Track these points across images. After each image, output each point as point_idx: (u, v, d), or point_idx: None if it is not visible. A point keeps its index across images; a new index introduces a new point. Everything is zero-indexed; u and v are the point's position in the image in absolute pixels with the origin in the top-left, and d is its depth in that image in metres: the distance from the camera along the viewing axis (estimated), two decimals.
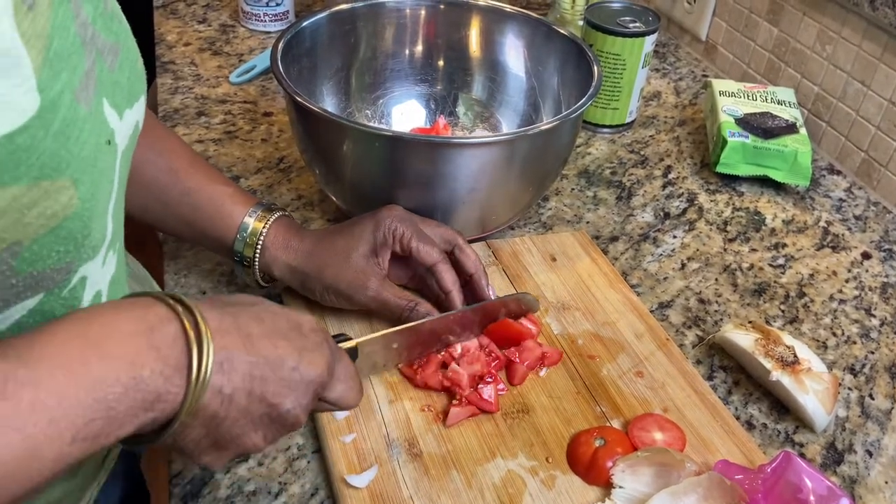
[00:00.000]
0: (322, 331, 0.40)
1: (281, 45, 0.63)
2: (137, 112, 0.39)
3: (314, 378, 0.38)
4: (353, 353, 0.48)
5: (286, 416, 0.37)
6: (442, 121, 0.75)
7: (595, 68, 0.63)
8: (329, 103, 0.71)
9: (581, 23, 0.85)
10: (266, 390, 0.36)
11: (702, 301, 0.63)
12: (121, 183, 0.38)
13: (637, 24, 0.78)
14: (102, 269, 0.37)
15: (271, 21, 0.95)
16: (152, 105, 0.98)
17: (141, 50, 0.41)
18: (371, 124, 0.73)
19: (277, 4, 0.94)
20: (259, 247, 0.55)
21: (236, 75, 0.86)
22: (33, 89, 0.29)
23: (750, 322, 0.61)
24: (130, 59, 0.38)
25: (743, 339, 0.55)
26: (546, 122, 0.57)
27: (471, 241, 0.65)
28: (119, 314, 0.32)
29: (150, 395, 0.31)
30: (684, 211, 0.73)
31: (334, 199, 0.66)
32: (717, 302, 0.63)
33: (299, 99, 0.57)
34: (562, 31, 0.69)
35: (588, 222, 0.71)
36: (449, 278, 0.55)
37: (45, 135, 0.30)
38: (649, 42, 0.78)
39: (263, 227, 0.54)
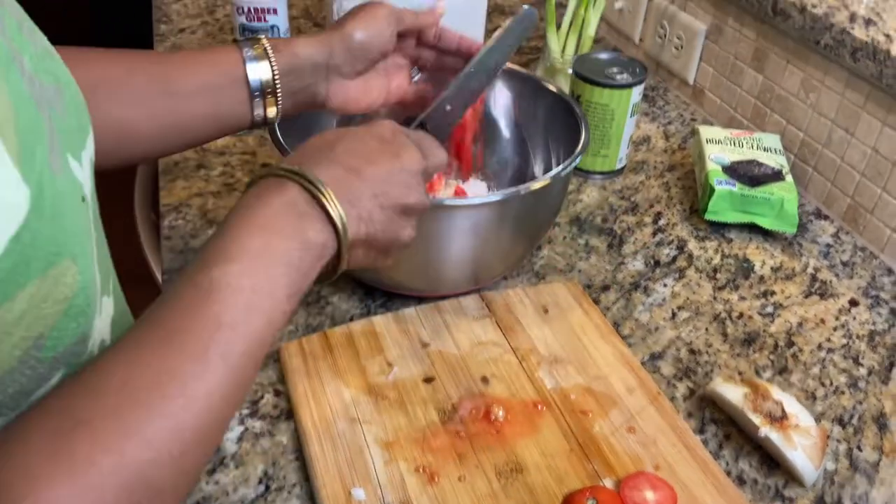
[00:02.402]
0: (399, 129, 0.48)
1: None
2: (90, 146, 0.40)
3: (417, 168, 0.46)
4: (423, 127, 0.55)
5: (416, 206, 0.46)
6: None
7: (582, 126, 0.65)
8: None
9: (570, 71, 0.87)
10: (391, 198, 0.44)
11: (692, 351, 0.64)
12: (97, 228, 0.39)
13: (624, 76, 0.80)
14: (101, 318, 0.38)
15: None
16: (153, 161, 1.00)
17: None
18: None
19: None
20: (269, 49, 0.54)
21: None
22: (20, 181, 0.29)
23: (740, 373, 0.62)
24: (72, 92, 0.39)
25: (732, 392, 0.56)
26: (536, 181, 0.59)
27: (464, 294, 0.66)
28: (269, 203, 0.40)
29: (317, 248, 0.40)
30: (674, 259, 0.74)
31: None
32: (707, 352, 0.64)
33: None
34: (550, 88, 0.71)
35: (580, 271, 0.72)
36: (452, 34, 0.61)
37: (42, 222, 0.30)
38: (636, 93, 0.80)
39: (263, 40, 0.55)
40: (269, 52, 0.55)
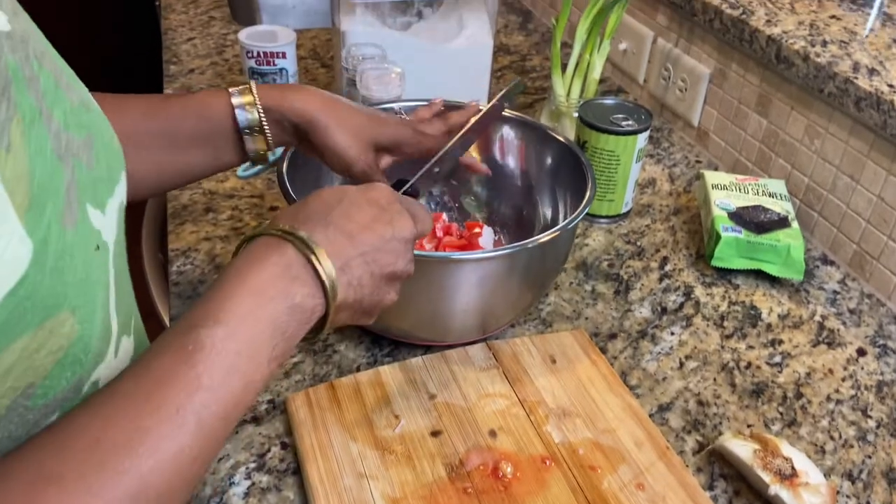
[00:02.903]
0: (395, 196, 0.49)
1: (288, 155, 0.65)
2: (120, 193, 0.41)
3: (409, 236, 0.48)
4: (416, 194, 0.58)
5: (403, 273, 0.48)
6: (443, 218, 0.77)
7: (588, 177, 0.65)
8: None
9: (576, 114, 0.88)
10: (381, 265, 0.46)
11: (701, 403, 0.64)
12: (118, 272, 0.40)
13: (629, 122, 0.80)
14: (116, 360, 0.39)
15: None
16: (161, 199, 1.01)
17: None
18: None
19: None
20: (258, 101, 0.58)
21: (243, 169, 0.89)
22: (23, 237, 0.30)
23: (749, 426, 0.61)
24: (105, 142, 0.40)
25: (741, 449, 0.56)
26: (544, 235, 0.59)
27: (471, 343, 0.66)
28: (263, 265, 0.40)
29: (306, 313, 0.41)
30: (681, 305, 0.74)
31: None
32: (715, 404, 0.64)
33: None
34: (557, 137, 0.72)
35: (587, 318, 0.72)
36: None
37: (43, 276, 0.31)
38: (642, 139, 0.80)
39: (253, 89, 0.58)
40: (258, 103, 0.58)
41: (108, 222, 0.39)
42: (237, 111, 0.58)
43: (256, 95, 0.58)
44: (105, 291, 0.37)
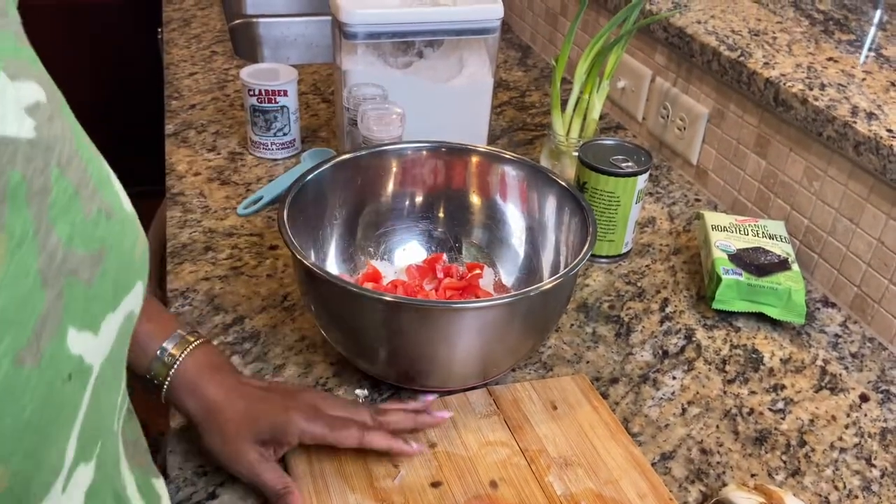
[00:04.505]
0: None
1: (288, 200, 0.65)
2: (127, 306, 0.36)
3: None
4: None
5: None
6: (443, 259, 0.77)
7: (589, 221, 0.65)
8: (334, 242, 0.74)
9: (576, 153, 0.88)
10: None
11: (704, 451, 0.63)
12: (98, 393, 0.35)
13: (629, 164, 0.81)
14: (64, 495, 0.33)
15: (279, 149, 0.99)
16: (161, 238, 1.00)
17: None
18: (372, 289, 0.75)
19: (284, 134, 0.98)
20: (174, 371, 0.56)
21: (243, 207, 0.89)
22: None
23: (753, 476, 0.61)
24: (121, 251, 0.35)
25: (746, 502, 0.55)
26: (546, 282, 0.59)
27: (471, 389, 0.66)
28: None
29: None
30: (683, 349, 0.74)
31: (334, 345, 0.67)
32: (718, 452, 0.63)
33: (306, 262, 0.58)
34: (558, 180, 0.72)
35: (588, 362, 0.72)
36: (382, 441, 0.56)
37: None
38: (642, 180, 0.81)
39: (181, 355, 0.57)
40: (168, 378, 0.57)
41: (99, 342, 0.34)
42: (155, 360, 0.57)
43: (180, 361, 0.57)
44: (66, 425, 0.32)
